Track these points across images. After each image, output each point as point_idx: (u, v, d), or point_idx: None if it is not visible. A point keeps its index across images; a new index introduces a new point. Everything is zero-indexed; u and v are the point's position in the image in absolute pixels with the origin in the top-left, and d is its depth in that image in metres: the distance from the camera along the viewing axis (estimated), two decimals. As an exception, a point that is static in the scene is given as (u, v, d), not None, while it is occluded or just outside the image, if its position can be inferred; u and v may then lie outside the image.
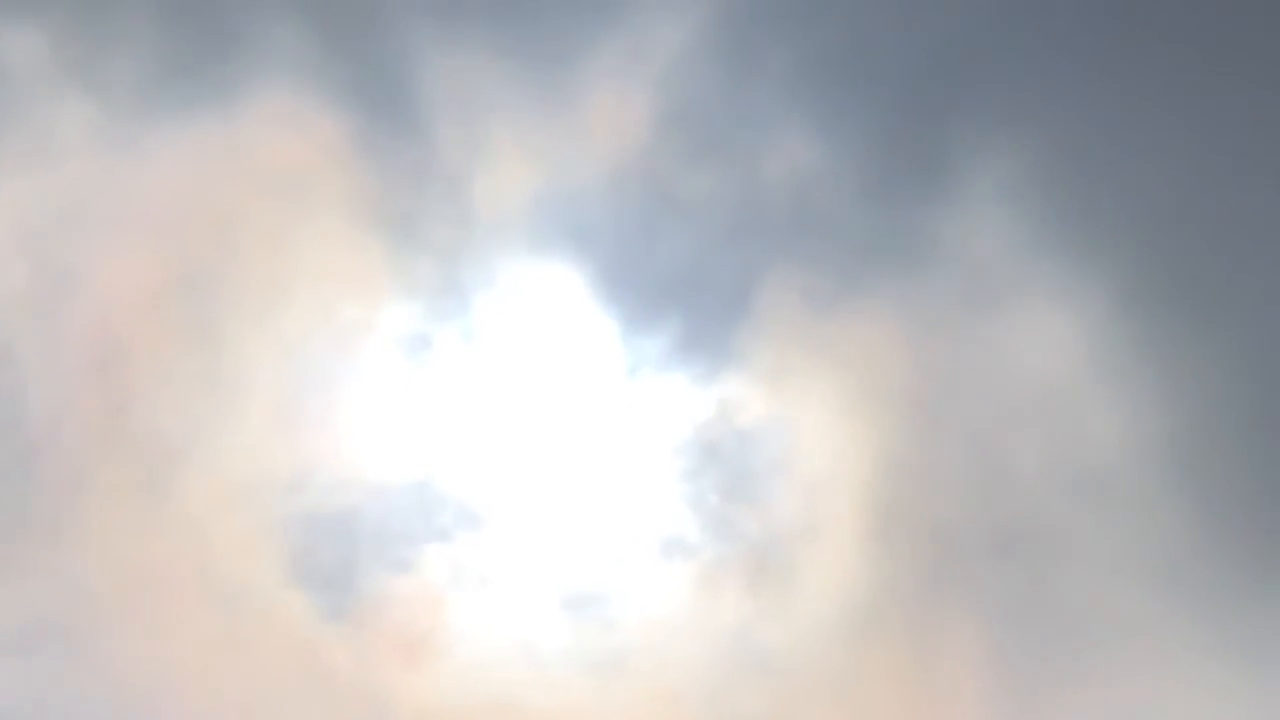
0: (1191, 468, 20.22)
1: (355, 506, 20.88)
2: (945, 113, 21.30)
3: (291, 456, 21.10)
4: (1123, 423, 20.73)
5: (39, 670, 19.57)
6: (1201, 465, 20.23)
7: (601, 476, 21.23)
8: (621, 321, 21.52)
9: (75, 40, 20.95)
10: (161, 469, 20.55)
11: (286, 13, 21.44)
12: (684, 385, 21.20)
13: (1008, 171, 21.34)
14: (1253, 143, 20.63)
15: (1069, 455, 20.74)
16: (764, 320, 21.20)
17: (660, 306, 21.35)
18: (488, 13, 21.68)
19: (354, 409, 21.48)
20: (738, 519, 20.95)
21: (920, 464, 20.70)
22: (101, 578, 20.01)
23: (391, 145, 21.59)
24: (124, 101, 21.09)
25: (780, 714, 19.99)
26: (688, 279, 21.37)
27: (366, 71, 21.61)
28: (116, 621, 19.80)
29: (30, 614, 19.72)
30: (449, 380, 21.67)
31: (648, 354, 21.38)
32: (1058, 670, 20.03)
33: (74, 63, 20.94)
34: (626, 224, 21.59)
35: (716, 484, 21.02)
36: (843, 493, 20.90)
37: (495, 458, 21.43)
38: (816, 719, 20.07)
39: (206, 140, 21.00)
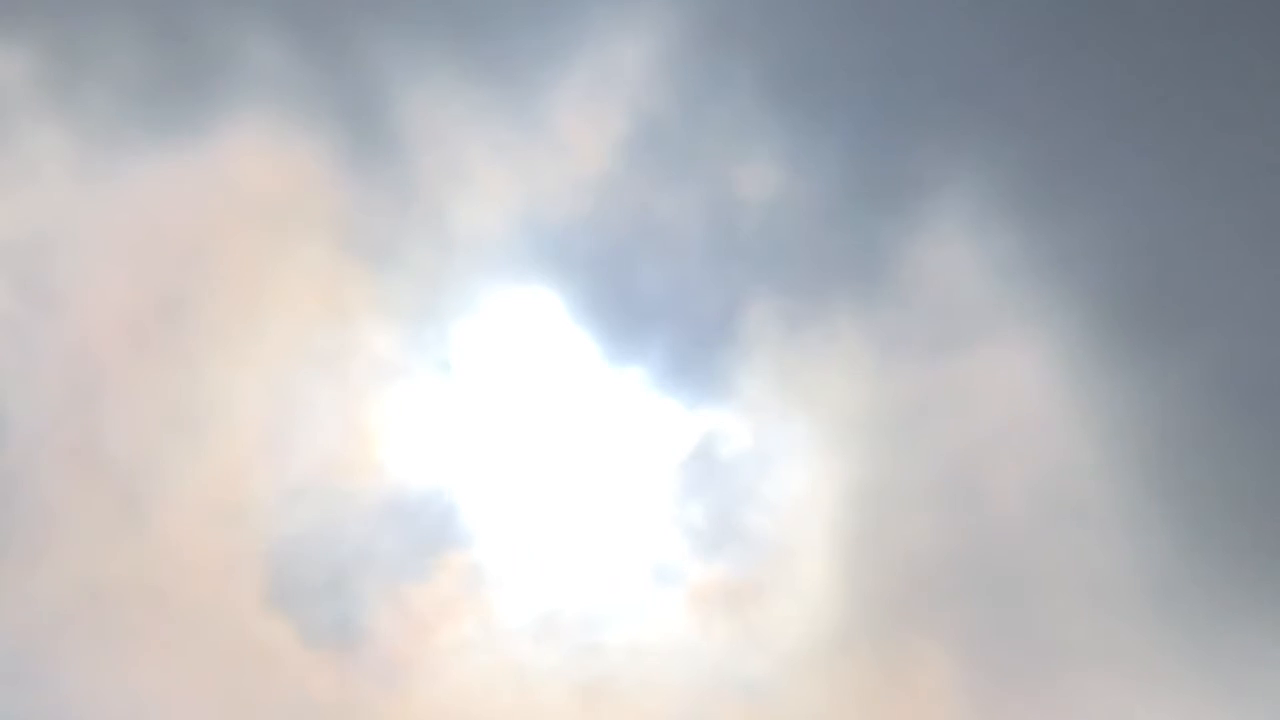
0: (1163, 490, 20.23)
1: (337, 530, 20.88)
2: (915, 135, 21.47)
3: (271, 479, 21.14)
4: (1094, 445, 20.76)
5: (13, 695, 19.48)
6: (1173, 487, 20.23)
7: (585, 502, 21.27)
8: (604, 346, 21.66)
9: (56, 64, 21.19)
10: (139, 493, 20.56)
11: (266, 39, 21.68)
12: (669, 413, 21.30)
13: (976, 194, 21.53)
14: (1221, 164, 20.82)
15: (1040, 478, 20.78)
16: (746, 348, 21.32)
17: (642, 331, 21.51)
18: (461, 37, 21.96)
19: (332, 433, 21.53)
20: (722, 545, 20.96)
21: (894, 489, 20.74)
22: (77, 602, 19.97)
23: (370, 169, 21.84)
24: (103, 125, 21.27)
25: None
26: (667, 304, 21.52)
27: (344, 97, 21.84)
28: (90, 645, 19.73)
29: (4, 638, 19.65)
30: (429, 406, 21.76)
31: (631, 380, 21.51)
32: (1029, 692, 19.98)
33: (55, 87, 21.16)
34: (604, 248, 21.76)
35: (702, 511, 21.05)
36: (818, 520, 20.90)
37: (478, 482, 21.48)
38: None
39: (185, 165, 21.20)
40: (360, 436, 21.41)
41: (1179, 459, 20.24)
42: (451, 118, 21.68)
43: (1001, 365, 21.05)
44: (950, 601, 20.26)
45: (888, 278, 21.40)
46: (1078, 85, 21.29)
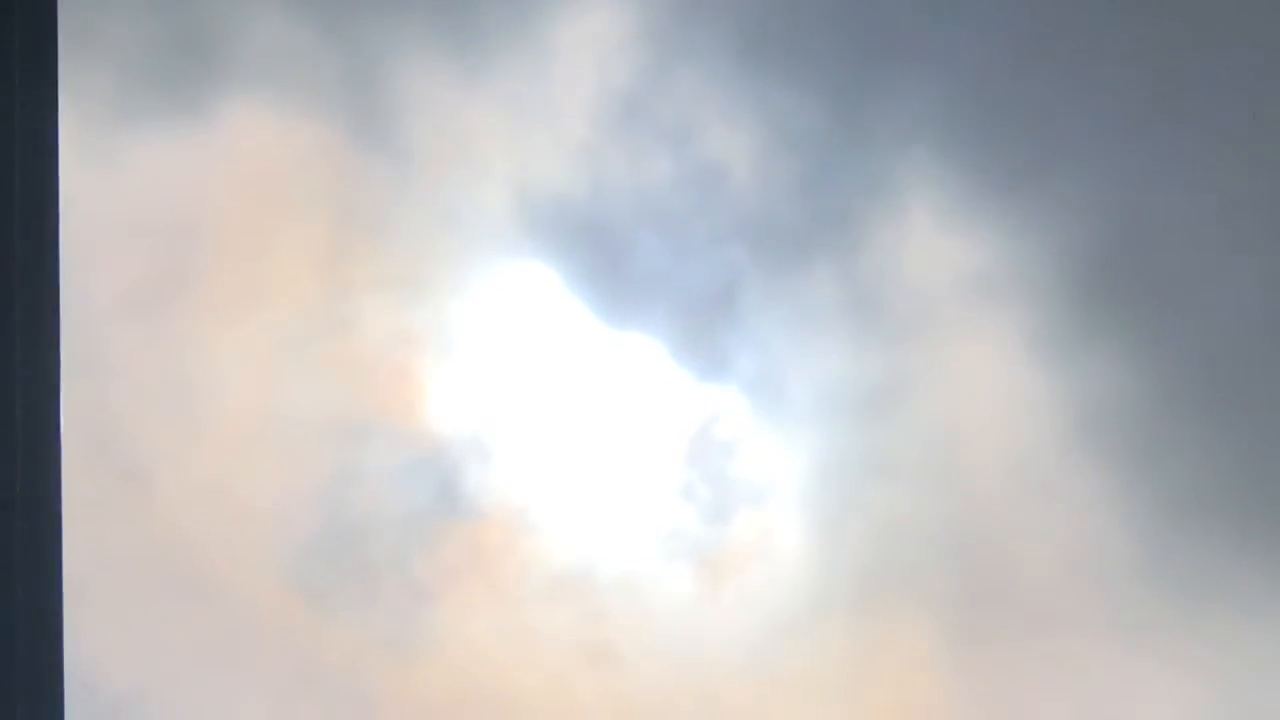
0: (1141, 463, 21.01)
1: (341, 498, 21.23)
2: (895, 109, 21.93)
3: (271, 453, 21.44)
4: (1072, 421, 21.47)
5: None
6: (1151, 461, 21.01)
7: (591, 469, 21.71)
8: (603, 317, 22.00)
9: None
10: (142, 467, 20.78)
11: (262, 19, 21.77)
12: (673, 386, 21.70)
13: (957, 169, 22.06)
14: (1200, 149, 21.46)
15: (1021, 453, 21.46)
16: (737, 323, 21.79)
17: (640, 304, 21.88)
18: (452, 13, 22.17)
19: (333, 406, 21.84)
20: (724, 515, 21.51)
21: (877, 463, 21.39)
22: (84, 571, 20.18)
23: (369, 149, 22.03)
24: (98, 109, 21.32)
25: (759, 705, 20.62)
26: (663, 277, 21.91)
27: (341, 77, 22.01)
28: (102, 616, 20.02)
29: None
30: (432, 377, 22.09)
31: (633, 351, 21.87)
32: (1008, 656, 20.78)
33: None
34: (599, 220, 22.12)
35: (704, 480, 21.56)
36: (808, 492, 21.54)
37: (483, 449, 21.86)
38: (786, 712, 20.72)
39: (185, 143, 21.30)
40: (362, 408, 21.73)
41: (1158, 433, 21.05)
42: (445, 92, 21.91)
43: (983, 341, 21.68)
44: (935, 570, 21.00)
45: (869, 252, 21.91)
46: (1066, 68, 21.85)
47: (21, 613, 8.08)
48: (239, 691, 20.12)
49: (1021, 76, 22.02)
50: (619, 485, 21.76)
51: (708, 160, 22.28)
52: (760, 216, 22.10)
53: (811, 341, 21.83)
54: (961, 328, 21.80)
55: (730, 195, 22.15)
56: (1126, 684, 20.48)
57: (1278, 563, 20.14)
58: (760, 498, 21.53)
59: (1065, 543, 20.67)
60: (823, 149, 21.73)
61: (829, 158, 21.71)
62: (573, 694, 20.68)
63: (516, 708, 20.70)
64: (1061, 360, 21.59)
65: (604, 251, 21.99)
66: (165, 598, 20.31)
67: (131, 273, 21.01)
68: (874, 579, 21.06)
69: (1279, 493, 20.36)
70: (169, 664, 20.05)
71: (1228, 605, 20.20)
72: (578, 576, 21.58)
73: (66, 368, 18.97)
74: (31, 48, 8.70)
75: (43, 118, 8.77)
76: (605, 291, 21.97)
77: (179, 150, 21.44)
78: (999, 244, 21.88)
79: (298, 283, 21.93)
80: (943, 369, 21.64)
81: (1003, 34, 21.98)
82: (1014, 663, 20.66)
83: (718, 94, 22.06)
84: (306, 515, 21.34)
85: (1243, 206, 21.42)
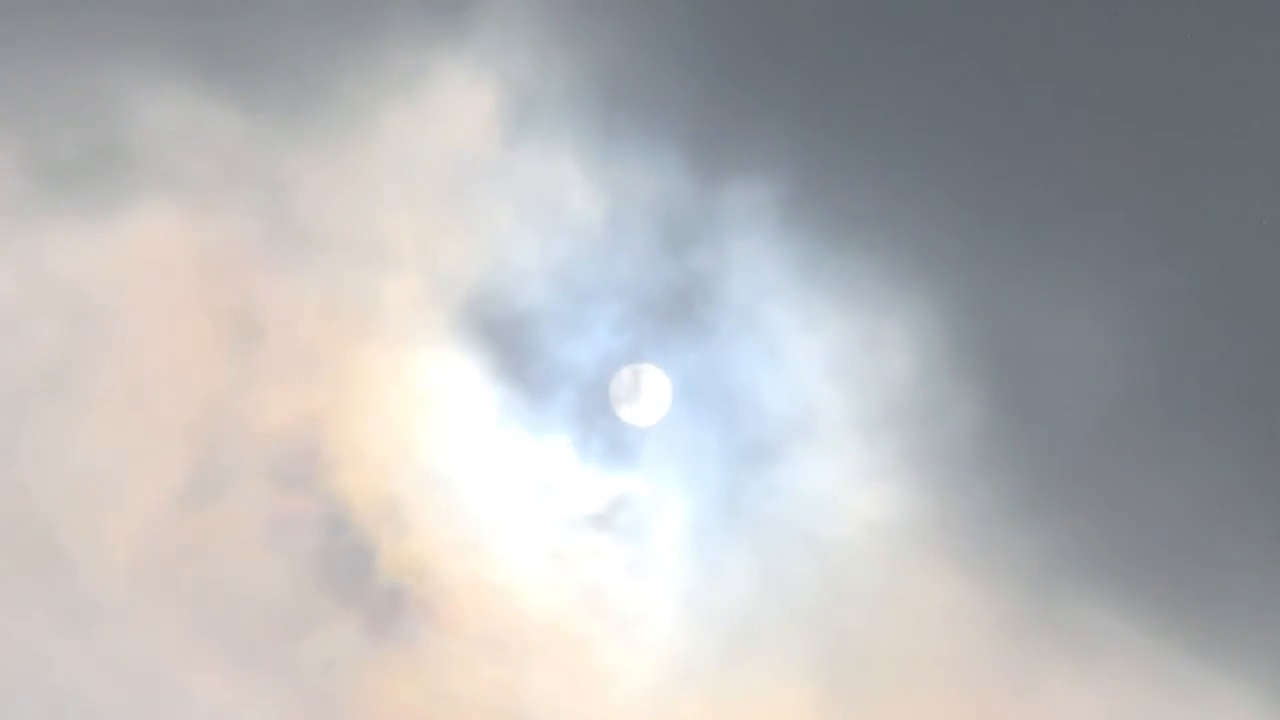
0: (1011, 522, 21.83)
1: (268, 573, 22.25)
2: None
3: (182, 535, 22.42)
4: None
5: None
6: (1022, 520, 21.83)
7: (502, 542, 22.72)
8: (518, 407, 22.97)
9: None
10: (59, 545, 21.87)
11: (169, 120, 22.88)
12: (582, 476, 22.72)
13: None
14: (1037, 159, 22.27)
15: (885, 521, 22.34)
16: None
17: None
18: (349, 118, 23.22)
19: (243, 486, 22.76)
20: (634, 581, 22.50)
21: (736, 539, 22.39)
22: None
23: (274, 242, 23.02)
24: (11, 204, 22.37)
25: None
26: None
27: (247, 173, 23.06)
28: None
29: None
30: (340, 455, 23.02)
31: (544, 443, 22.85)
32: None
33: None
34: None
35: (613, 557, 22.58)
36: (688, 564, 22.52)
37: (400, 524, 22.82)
38: None
39: (97, 240, 22.42)
40: (271, 484, 22.66)
41: (1025, 493, 21.90)
42: (347, 187, 22.98)
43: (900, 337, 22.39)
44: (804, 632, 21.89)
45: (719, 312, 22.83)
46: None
47: None
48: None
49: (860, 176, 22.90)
50: (526, 554, 22.63)
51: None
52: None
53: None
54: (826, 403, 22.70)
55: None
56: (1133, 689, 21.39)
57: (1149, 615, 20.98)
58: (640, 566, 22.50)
59: (934, 606, 21.50)
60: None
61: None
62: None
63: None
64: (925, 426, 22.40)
65: (507, 340, 22.96)
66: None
67: (39, 358, 22.13)
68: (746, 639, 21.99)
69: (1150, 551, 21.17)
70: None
71: (1092, 658, 21.04)
72: (494, 640, 22.38)
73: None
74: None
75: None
76: (510, 375, 22.89)
77: (89, 244, 22.51)
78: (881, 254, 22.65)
79: (202, 369, 22.84)
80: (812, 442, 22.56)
81: (842, 131, 22.86)
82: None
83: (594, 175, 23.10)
84: (223, 587, 22.22)
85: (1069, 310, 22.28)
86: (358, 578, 22.40)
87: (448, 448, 22.89)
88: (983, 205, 21.91)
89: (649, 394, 22.66)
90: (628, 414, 22.66)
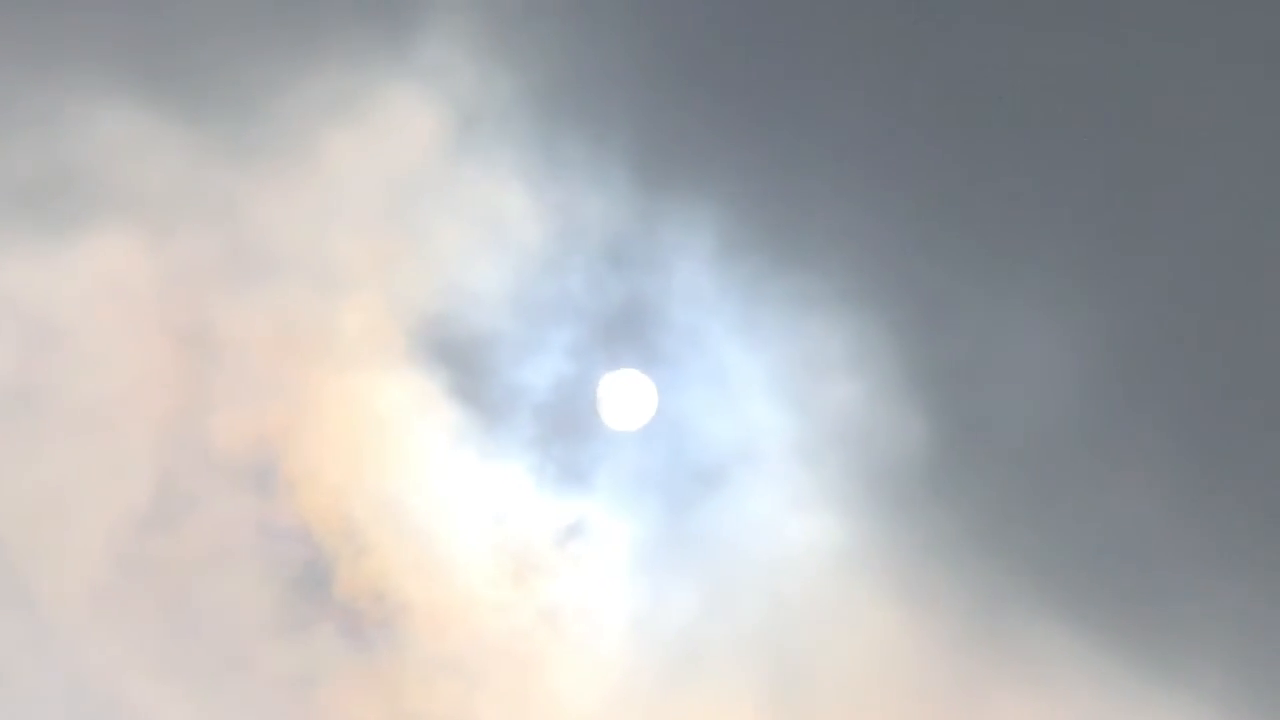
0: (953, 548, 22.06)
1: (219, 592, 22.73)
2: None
3: (142, 558, 22.86)
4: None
5: None
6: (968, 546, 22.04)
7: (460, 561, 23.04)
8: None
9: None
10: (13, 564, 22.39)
11: (127, 150, 23.11)
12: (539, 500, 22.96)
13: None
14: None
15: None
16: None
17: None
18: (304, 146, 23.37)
19: (201, 509, 23.13)
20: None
21: (676, 570, 22.71)
22: None
23: (231, 267, 23.28)
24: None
25: None
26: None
27: (203, 199, 23.31)
28: None
29: None
30: (299, 478, 23.31)
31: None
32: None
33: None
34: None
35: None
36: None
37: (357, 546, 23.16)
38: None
39: (49, 268, 22.74)
40: (227, 505, 23.04)
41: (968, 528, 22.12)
42: (305, 219, 23.19)
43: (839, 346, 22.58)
44: (746, 649, 22.18)
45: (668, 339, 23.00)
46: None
47: None
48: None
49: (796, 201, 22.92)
50: (482, 575, 22.95)
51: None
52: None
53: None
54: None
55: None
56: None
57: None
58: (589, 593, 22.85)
59: (881, 625, 21.75)
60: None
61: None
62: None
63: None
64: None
65: (460, 362, 23.15)
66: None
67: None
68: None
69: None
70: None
71: (1041, 673, 21.30)
72: (450, 661, 22.79)
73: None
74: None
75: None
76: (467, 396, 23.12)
77: (45, 271, 22.84)
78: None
79: (158, 391, 23.19)
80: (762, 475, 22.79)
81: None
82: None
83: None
84: (181, 608, 22.67)
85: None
86: (315, 599, 22.78)
87: (403, 469, 23.15)
88: (930, 223, 21.91)
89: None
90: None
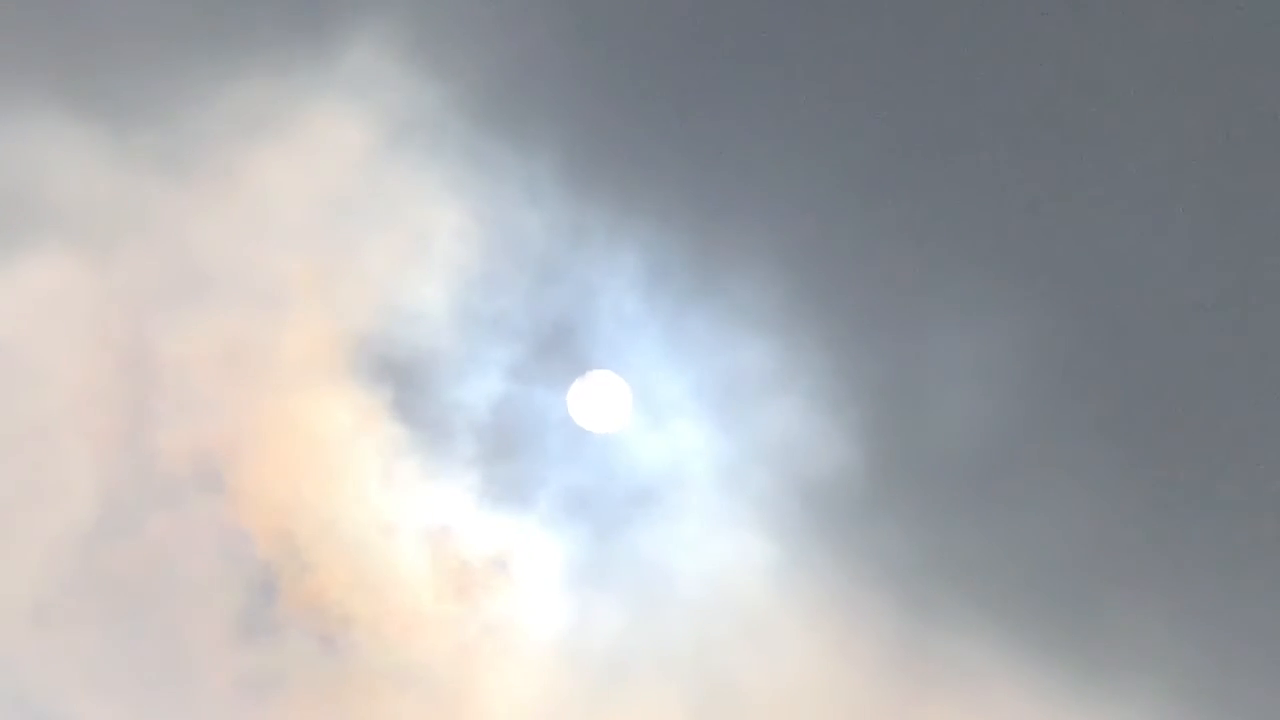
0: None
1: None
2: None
3: (88, 573, 22.94)
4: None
5: None
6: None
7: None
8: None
9: None
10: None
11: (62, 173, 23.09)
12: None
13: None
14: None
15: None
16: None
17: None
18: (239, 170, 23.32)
19: (145, 521, 23.20)
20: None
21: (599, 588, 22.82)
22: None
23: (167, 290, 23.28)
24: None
25: None
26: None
27: (139, 226, 23.27)
28: None
29: None
30: (244, 491, 23.36)
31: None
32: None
33: None
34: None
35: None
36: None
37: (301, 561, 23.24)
38: None
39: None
40: (172, 541, 23.11)
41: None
42: (236, 237, 23.11)
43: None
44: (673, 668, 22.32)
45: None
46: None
47: None
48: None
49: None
50: (421, 593, 23.06)
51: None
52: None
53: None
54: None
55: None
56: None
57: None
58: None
59: (810, 643, 21.82)
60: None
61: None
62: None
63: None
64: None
65: (397, 380, 23.12)
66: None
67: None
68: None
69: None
70: None
71: (973, 686, 21.37)
72: (391, 676, 22.92)
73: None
74: None
75: None
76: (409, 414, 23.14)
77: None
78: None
79: (99, 413, 23.22)
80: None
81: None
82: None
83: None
84: (122, 625, 22.82)
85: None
86: (260, 615, 22.89)
87: (345, 486, 23.19)
88: (859, 239, 21.79)
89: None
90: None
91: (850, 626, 21.65)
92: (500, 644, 22.72)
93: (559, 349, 22.59)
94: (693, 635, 21.99)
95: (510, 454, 22.78)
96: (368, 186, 23.33)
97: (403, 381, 23.00)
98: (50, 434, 22.97)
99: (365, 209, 23.29)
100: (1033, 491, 21.53)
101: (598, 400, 22.58)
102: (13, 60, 23.17)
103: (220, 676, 22.77)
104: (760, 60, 22.32)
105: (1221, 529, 20.92)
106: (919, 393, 21.79)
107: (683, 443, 22.42)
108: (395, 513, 23.03)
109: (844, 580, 21.60)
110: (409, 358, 23.11)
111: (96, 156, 23.20)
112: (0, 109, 23.01)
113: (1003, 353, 21.69)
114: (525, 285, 22.84)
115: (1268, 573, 20.67)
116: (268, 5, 23.51)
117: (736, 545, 21.99)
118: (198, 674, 22.70)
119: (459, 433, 22.93)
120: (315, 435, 23.33)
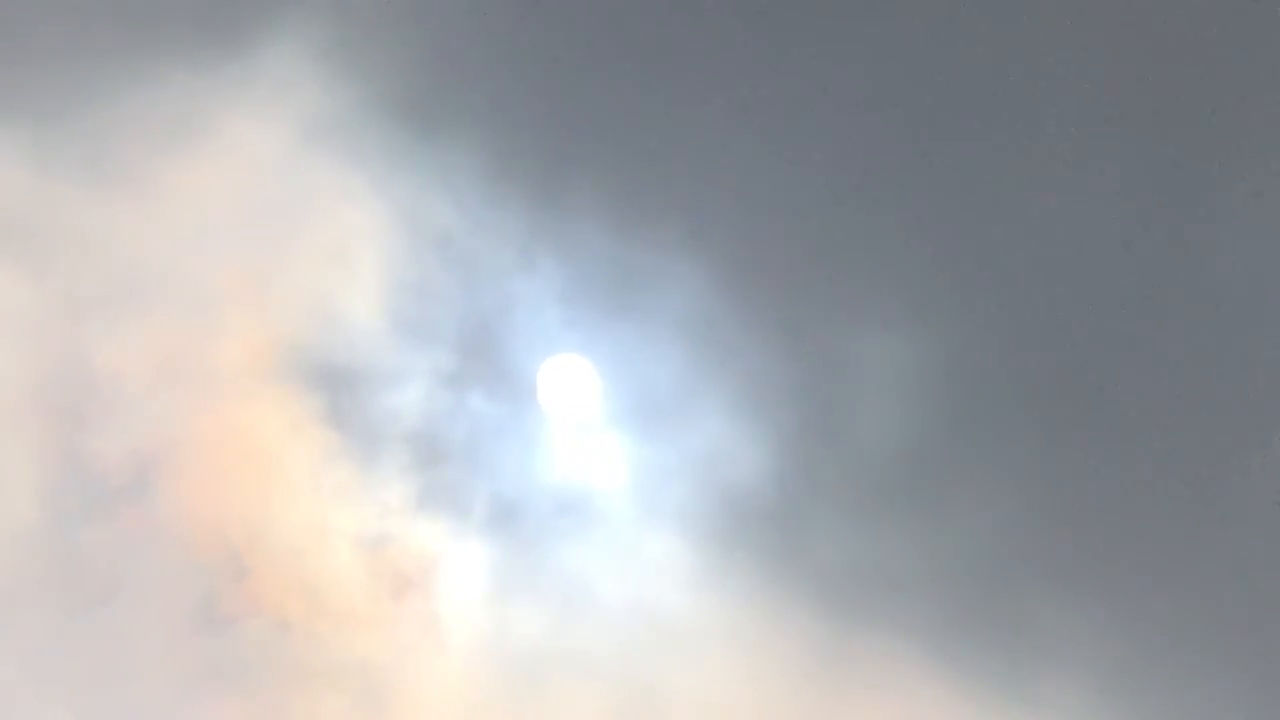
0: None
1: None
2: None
3: (36, 580, 23.13)
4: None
5: None
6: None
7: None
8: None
9: None
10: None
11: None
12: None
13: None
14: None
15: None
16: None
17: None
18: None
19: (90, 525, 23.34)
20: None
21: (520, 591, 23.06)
22: None
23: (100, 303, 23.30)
24: None
25: None
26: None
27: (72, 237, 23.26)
28: None
29: None
30: (183, 493, 23.48)
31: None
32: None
33: None
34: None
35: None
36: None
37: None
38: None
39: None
40: (110, 549, 23.24)
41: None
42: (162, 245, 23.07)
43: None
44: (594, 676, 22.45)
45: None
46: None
47: None
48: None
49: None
50: (357, 596, 23.19)
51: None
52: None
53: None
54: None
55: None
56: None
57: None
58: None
59: (729, 649, 21.89)
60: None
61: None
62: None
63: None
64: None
65: (330, 387, 23.13)
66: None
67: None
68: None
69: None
70: None
71: (895, 690, 21.41)
72: (330, 679, 23.08)
73: None
74: None
75: None
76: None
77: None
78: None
79: (33, 421, 23.31)
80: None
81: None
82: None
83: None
84: (62, 631, 23.01)
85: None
86: (196, 620, 23.06)
87: (279, 493, 23.27)
88: (773, 245, 21.66)
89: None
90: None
91: (772, 630, 21.66)
92: (419, 650, 22.90)
93: (482, 355, 22.52)
94: (614, 640, 22.07)
95: (440, 460, 22.79)
96: (290, 189, 23.19)
97: (336, 387, 22.99)
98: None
99: (289, 212, 23.16)
100: (954, 495, 21.45)
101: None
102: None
103: (158, 679, 22.96)
104: (681, 62, 22.08)
105: (1144, 531, 20.85)
106: (839, 399, 21.68)
107: (604, 450, 22.39)
108: (330, 517, 23.09)
109: (765, 585, 21.60)
110: (340, 362, 23.09)
111: (12, 160, 23.09)
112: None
113: (922, 358, 21.56)
114: (451, 289, 22.72)
115: (1190, 573, 20.62)
116: (185, 5, 23.30)
117: (657, 551, 22.01)
118: (135, 677, 22.91)
119: (390, 439, 22.94)
120: (250, 441, 23.36)
